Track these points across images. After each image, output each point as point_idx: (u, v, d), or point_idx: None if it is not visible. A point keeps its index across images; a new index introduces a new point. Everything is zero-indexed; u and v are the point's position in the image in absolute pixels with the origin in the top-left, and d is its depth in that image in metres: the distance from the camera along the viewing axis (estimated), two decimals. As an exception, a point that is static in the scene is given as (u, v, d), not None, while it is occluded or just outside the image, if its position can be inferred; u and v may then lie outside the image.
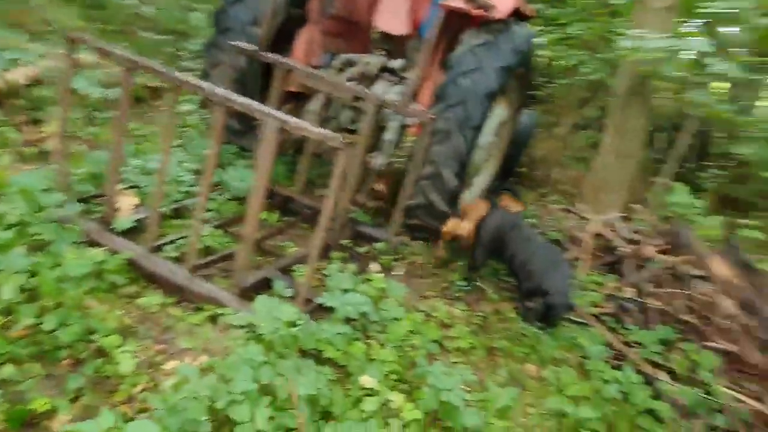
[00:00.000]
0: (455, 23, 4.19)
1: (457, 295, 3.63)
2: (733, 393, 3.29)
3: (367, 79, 4.58)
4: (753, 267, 4.33)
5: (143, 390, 1.95)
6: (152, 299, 2.47)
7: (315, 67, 4.65)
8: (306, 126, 2.39)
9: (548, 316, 3.30)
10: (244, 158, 4.40)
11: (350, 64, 4.70)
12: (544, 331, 3.32)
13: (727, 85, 6.19)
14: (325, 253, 3.47)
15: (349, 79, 4.45)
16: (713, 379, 3.28)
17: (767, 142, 4.53)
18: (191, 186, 3.64)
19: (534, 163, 7.06)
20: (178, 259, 2.83)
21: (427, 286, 3.69)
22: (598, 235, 4.75)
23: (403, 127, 4.44)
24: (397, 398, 2.17)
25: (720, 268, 4.06)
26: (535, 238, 3.74)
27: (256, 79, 4.32)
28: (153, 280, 2.62)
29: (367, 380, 2.10)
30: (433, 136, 3.79)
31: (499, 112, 4.51)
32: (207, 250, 3.10)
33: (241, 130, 4.46)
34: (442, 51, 4.39)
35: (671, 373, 3.36)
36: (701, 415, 3.10)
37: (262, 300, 2.28)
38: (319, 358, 2.26)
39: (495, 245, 3.71)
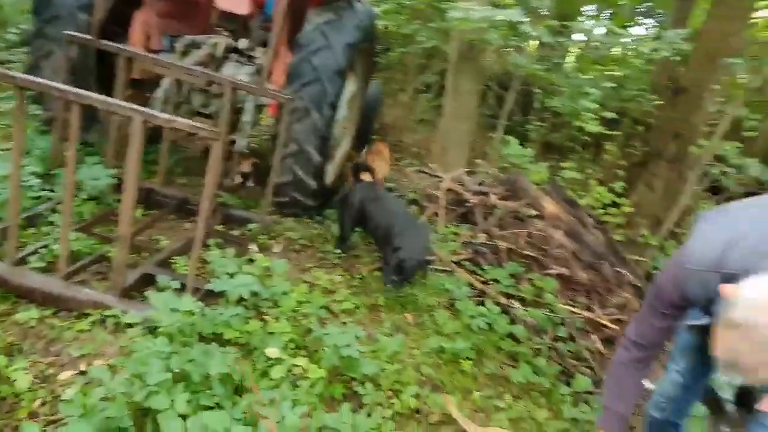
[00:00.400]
0: (298, 1, 4.29)
1: (334, 263, 3.86)
2: (570, 308, 3.99)
3: (215, 61, 4.52)
4: (574, 201, 5.16)
5: (44, 404, 1.91)
6: (28, 314, 2.34)
7: (155, 52, 4.47)
8: (177, 119, 2.40)
9: (403, 272, 3.40)
10: (90, 155, 4.14)
11: (194, 46, 4.57)
12: (404, 287, 3.56)
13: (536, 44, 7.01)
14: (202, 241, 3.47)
15: (197, 63, 4.36)
16: (554, 299, 3.95)
17: (572, 96, 5.32)
18: (42, 191, 3.39)
19: (385, 130, 7.47)
20: (46, 269, 2.69)
21: (306, 259, 3.87)
22: (450, 191, 5.27)
23: (259, 108, 4.49)
24: (301, 362, 2.36)
25: (549, 206, 4.78)
26: (396, 208, 3.96)
27: (91, 70, 4.06)
28: (24, 294, 2.48)
29: (272, 351, 2.25)
30: (292, 115, 3.91)
31: (350, 86, 4.74)
32: (73, 255, 2.96)
33: (84, 125, 4.17)
34: (287, 30, 4.47)
35: (522, 300, 3.97)
36: (548, 331, 3.73)
37: (157, 295, 2.30)
38: (220, 341, 2.36)
39: (360, 217, 3.93)
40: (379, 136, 7.16)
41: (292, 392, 2.11)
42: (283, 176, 4.07)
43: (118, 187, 3.72)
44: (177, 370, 1.90)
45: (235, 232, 3.90)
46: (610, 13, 10.33)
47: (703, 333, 1.98)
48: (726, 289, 1.46)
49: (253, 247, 3.67)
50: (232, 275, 2.81)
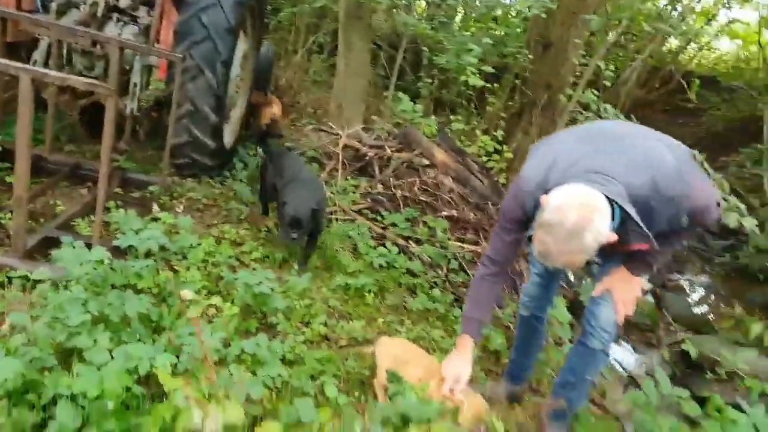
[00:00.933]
0: None
1: (240, 219, 3.99)
2: (460, 244, 4.43)
3: (96, 21, 4.35)
4: (462, 150, 5.60)
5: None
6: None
7: (30, 12, 4.22)
8: (70, 77, 2.41)
9: (295, 227, 3.33)
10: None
11: (71, 5, 4.36)
12: (296, 242, 3.41)
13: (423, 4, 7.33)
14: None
15: (78, 23, 4.18)
16: (446, 238, 4.36)
17: (457, 53, 5.70)
18: None
19: (279, 92, 7.50)
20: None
21: (210, 217, 3.97)
22: (348, 147, 5.51)
23: (147, 69, 4.41)
24: (215, 301, 2.53)
25: (439, 155, 5.17)
26: (288, 165, 3.91)
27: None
28: None
29: (186, 294, 2.40)
30: (184, 75, 3.91)
31: (241, 45, 4.76)
32: (-37, 225, 2.88)
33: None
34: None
35: (418, 240, 4.35)
36: (442, 265, 4.14)
37: (64, 250, 2.35)
38: (134, 290, 2.46)
39: (273, 189, 3.84)
40: (274, 95, 7.21)
41: (209, 327, 2.29)
42: (180, 137, 4.09)
43: (2, 156, 3.58)
44: (96, 313, 2.01)
45: (136, 195, 3.90)
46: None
47: None
48: (542, 198, 1.86)
49: (155, 207, 3.71)
50: (137, 231, 2.87)
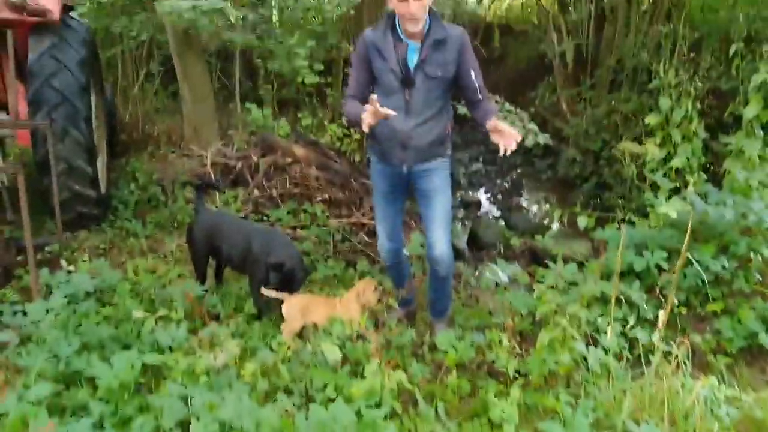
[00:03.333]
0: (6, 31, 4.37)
1: (143, 251, 4.44)
2: (338, 220, 5.25)
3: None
4: (316, 142, 6.39)
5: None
6: None
7: None
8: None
9: (290, 285, 3.24)
10: None
11: None
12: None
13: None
14: (4, 282, 3.75)
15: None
16: (325, 217, 5.15)
17: (287, 57, 6.42)
18: None
19: (128, 128, 7.68)
20: None
21: (117, 256, 4.37)
22: (215, 164, 6.02)
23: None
24: (162, 312, 3.09)
25: (298, 151, 5.91)
26: (246, 224, 3.92)
27: None
28: None
29: (137, 313, 2.94)
30: (53, 138, 4.20)
31: (92, 97, 5.08)
32: None
33: None
34: (5, 59, 4.52)
35: (303, 226, 5.09)
36: (329, 240, 4.93)
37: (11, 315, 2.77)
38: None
39: (210, 247, 3.65)
40: (126, 137, 7.40)
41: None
42: (63, 194, 4.38)
43: None
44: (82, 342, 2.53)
45: (38, 258, 4.17)
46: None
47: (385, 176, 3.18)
48: None
49: (63, 262, 4.05)
50: (66, 282, 3.30)
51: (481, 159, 10.94)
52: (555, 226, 7.28)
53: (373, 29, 2.98)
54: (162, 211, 5.21)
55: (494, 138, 2.79)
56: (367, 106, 2.72)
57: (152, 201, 5.45)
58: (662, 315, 2.43)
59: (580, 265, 3.43)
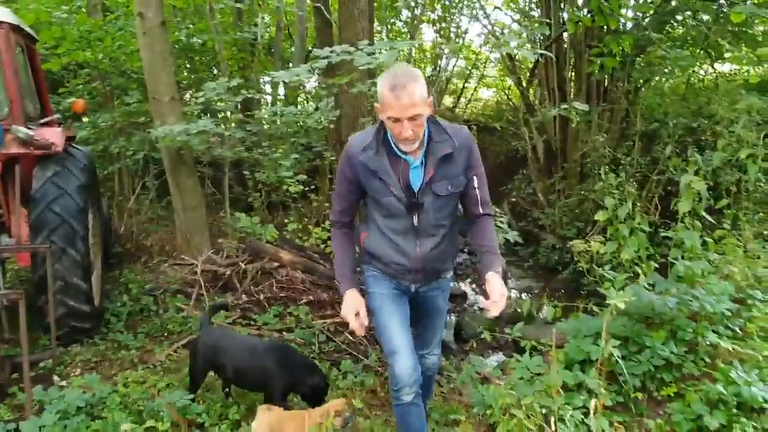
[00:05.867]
0: (14, 164, 4.80)
1: (133, 362, 4.60)
2: (322, 321, 5.46)
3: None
4: (302, 246, 6.72)
5: None
6: None
7: None
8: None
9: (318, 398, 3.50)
10: None
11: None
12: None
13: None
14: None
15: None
16: (309, 319, 5.36)
17: (273, 168, 6.94)
18: None
19: (123, 240, 8.03)
20: None
21: (108, 369, 4.53)
22: (205, 272, 6.30)
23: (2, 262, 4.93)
24: (150, 423, 3.22)
25: (285, 255, 6.23)
26: (253, 341, 4.06)
27: None
28: None
29: (126, 426, 3.08)
30: (52, 258, 4.50)
31: (90, 217, 5.45)
32: None
33: None
34: (12, 188, 4.91)
35: (289, 329, 5.28)
36: (313, 341, 5.11)
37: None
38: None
39: (212, 362, 3.69)
40: (122, 249, 7.74)
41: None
42: (58, 311, 4.62)
43: None
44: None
45: (32, 374, 4.33)
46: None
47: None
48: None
49: (56, 378, 4.20)
50: (60, 398, 3.46)
51: (465, 250, 11.29)
52: (543, 313, 7.49)
53: (359, 143, 2.52)
54: (153, 321, 5.42)
55: (484, 290, 2.49)
56: (354, 322, 2.51)
57: (144, 311, 5.67)
58: (593, 403, 2.62)
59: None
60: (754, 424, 2.73)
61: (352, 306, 2.54)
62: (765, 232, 4.80)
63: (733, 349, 3.15)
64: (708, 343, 3.27)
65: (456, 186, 2.55)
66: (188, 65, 11.07)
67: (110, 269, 6.63)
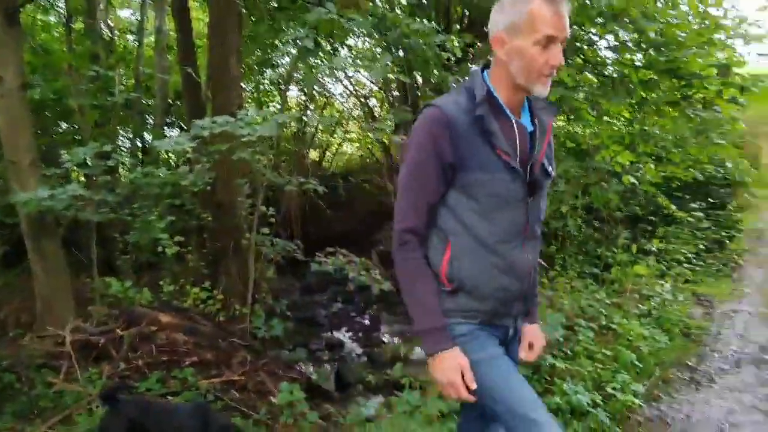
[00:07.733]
0: None
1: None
2: (209, 381, 5.52)
3: None
4: (180, 307, 6.72)
5: None
6: None
7: None
8: None
9: None
10: None
11: None
12: None
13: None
14: None
15: None
16: (195, 381, 5.40)
17: (145, 229, 6.87)
18: None
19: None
20: None
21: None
22: (75, 341, 6.01)
23: None
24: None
25: (164, 318, 6.19)
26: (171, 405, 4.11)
27: None
28: None
29: None
30: None
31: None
32: None
33: None
34: None
35: (174, 393, 5.26)
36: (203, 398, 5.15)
37: None
38: None
39: None
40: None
41: None
42: None
43: None
44: None
45: None
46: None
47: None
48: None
49: None
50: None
51: (339, 299, 11.77)
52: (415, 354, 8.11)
53: (453, 105, 1.75)
54: (20, 399, 5.07)
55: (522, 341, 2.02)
56: (461, 389, 1.75)
57: (8, 390, 5.27)
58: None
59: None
60: (582, 425, 3.46)
61: (455, 367, 1.76)
62: (585, 271, 5.90)
63: (566, 367, 3.94)
64: (548, 364, 4.03)
65: (554, 168, 1.91)
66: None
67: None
